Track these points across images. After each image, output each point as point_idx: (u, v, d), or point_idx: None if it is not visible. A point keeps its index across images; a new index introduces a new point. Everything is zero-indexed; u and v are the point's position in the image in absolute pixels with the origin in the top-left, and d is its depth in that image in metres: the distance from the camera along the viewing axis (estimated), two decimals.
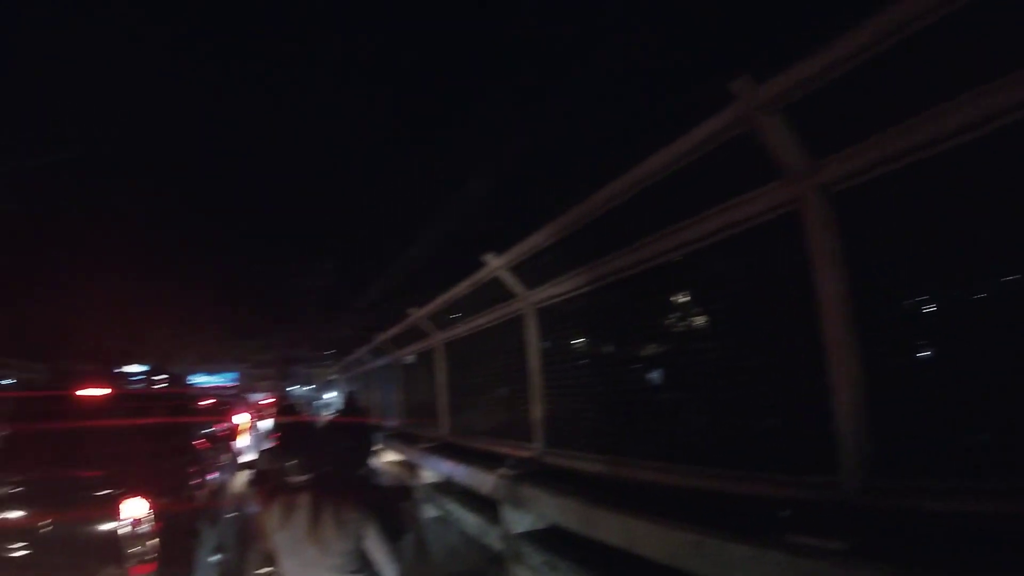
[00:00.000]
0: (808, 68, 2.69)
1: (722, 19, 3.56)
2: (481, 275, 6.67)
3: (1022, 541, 2.15)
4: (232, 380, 49.00)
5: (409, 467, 9.97)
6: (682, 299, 4.45)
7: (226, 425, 11.62)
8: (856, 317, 2.83)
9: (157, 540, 4.22)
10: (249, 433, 15.20)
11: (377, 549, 2.94)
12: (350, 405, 11.85)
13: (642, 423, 4.43)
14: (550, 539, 5.07)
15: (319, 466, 2.98)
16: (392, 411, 13.59)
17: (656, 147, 3.59)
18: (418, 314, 9.53)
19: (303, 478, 2.93)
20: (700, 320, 4.31)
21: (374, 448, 11.21)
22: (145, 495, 4.22)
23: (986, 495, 2.29)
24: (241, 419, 15.10)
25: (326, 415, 14.12)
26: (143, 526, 4.12)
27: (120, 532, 4.11)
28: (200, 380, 48.59)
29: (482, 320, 7.49)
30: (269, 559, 2.94)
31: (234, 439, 10.08)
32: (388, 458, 11.96)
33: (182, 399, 7.70)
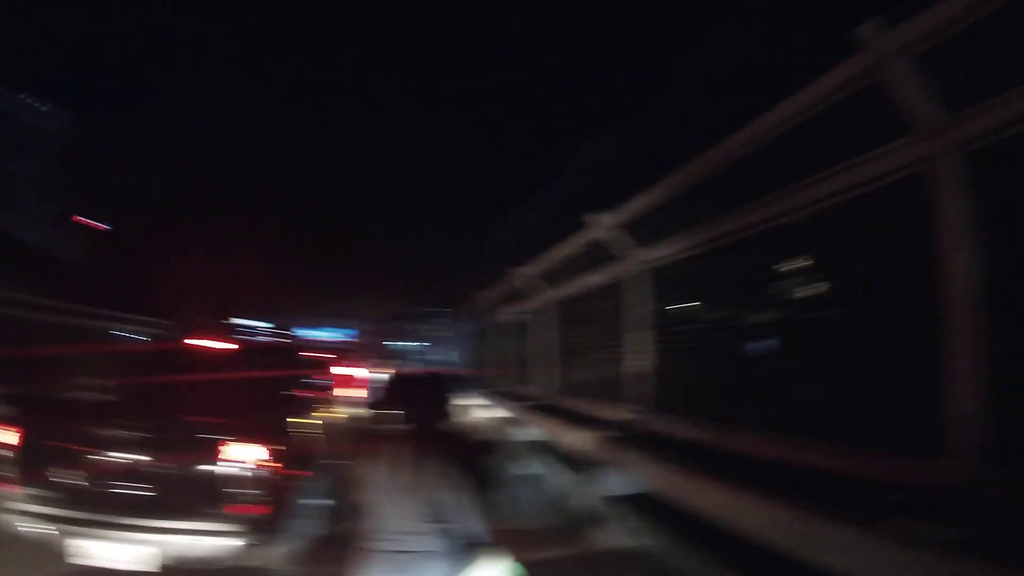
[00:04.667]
0: (945, 11, 2.45)
1: None
2: (593, 233, 6.58)
3: None
4: (352, 335, 51.18)
5: (513, 423, 10.11)
6: (800, 264, 4.23)
7: (343, 375, 12.19)
8: (986, 294, 2.61)
9: (271, 485, 4.51)
10: (363, 384, 15.86)
11: (466, 501, 3.00)
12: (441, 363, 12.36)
13: (751, 392, 4.31)
14: (648, 504, 4.99)
15: (417, 418, 3.12)
16: (499, 368, 13.78)
17: (776, 100, 3.43)
18: (529, 272, 9.56)
19: (404, 427, 3.06)
20: (818, 287, 4.09)
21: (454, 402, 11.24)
22: (262, 441, 4.49)
23: None
24: (357, 371, 15.78)
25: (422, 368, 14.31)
26: (261, 470, 4.40)
27: (238, 474, 4.38)
28: (322, 335, 51.14)
29: (593, 279, 7.40)
30: (363, 507, 3.07)
31: (348, 387, 10.58)
32: (495, 414, 12.13)
33: (300, 352, 8.10)
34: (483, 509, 3.15)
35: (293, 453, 5.29)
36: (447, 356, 29.32)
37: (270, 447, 4.53)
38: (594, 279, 7.34)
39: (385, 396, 3.37)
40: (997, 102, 2.48)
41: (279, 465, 4.69)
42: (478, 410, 12.95)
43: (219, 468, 4.37)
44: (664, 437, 5.26)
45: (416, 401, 3.17)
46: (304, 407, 6.73)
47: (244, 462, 4.37)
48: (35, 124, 53.00)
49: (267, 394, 6.07)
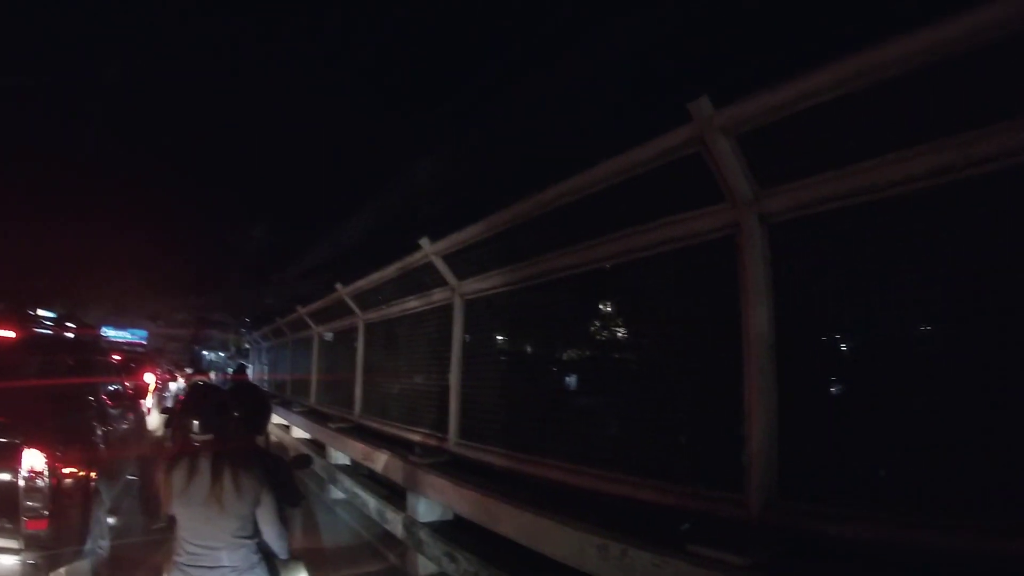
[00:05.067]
0: (767, 101, 2.76)
1: (692, 37, 3.59)
2: (414, 259, 6.57)
3: (915, 569, 2.30)
4: (142, 338, 47.33)
5: (318, 446, 9.84)
6: (610, 307, 4.56)
7: (135, 383, 11.08)
8: (777, 346, 2.97)
9: (51, 496, 3.92)
10: (157, 393, 14.68)
11: (270, 518, 3.02)
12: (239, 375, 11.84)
13: (557, 424, 4.49)
14: (455, 531, 5.15)
15: (219, 429, 3.05)
16: (306, 388, 13.34)
17: (610, 154, 3.63)
18: (344, 291, 9.32)
19: (205, 438, 2.99)
20: (625, 330, 4.43)
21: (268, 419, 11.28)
22: (44, 448, 3.89)
23: (882, 523, 2.42)
24: (150, 378, 14.55)
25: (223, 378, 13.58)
26: (39, 480, 3.81)
27: (19, 484, 3.82)
28: (110, 334, 46.80)
29: (408, 305, 7.43)
30: (165, 519, 3.04)
31: (143, 397, 9.57)
32: (297, 435, 11.78)
33: (93, 351, 7.32)
34: (287, 526, 3.28)
35: (87, 460, 4.79)
36: (255, 369, 28.05)
37: (52, 452, 4.00)
38: (409, 304, 7.37)
39: (185, 405, 3.23)
40: (796, 186, 2.88)
41: (66, 473, 4.23)
42: (285, 428, 12.55)
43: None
44: (474, 463, 5.38)
45: (217, 412, 3.10)
46: (105, 412, 6.07)
47: (19, 469, 3.83)
48: None
49: (60, 394, 5.46)
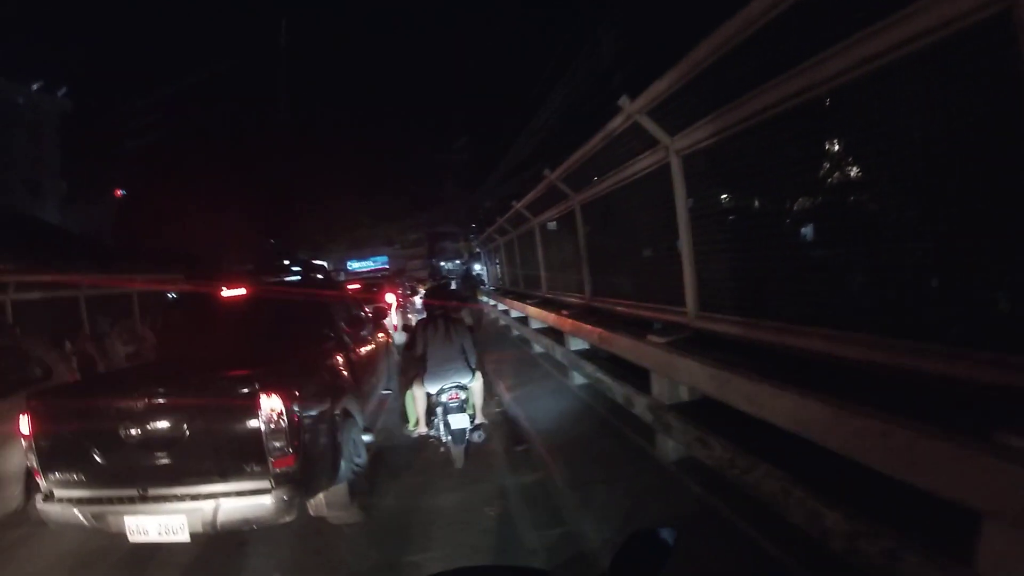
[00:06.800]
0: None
1: None
2: (615, 124, 5.93)
3: None
4: (383, 263, 51.44)
5: (556, 334, 9.85)
6: (838, 144, 3.75)
7: (377, 305, 11.84)
8: None
9: (294, 434, 4.22)
10: (400, 310, 15.61)
11: (470, 346, 6.90)
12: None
13: (806, 284, 3.80)
14: (703, 413, 4.76)
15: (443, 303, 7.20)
16: (535, 280, 13.43)
17: None
18: (552, 176, 9.00)
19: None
20: (858, 168, 3.63)
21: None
22: (280, 390, 4.18)
23: None
24: (391, 298, 15.48)
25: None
26: (280, 421, 4.12)
27: (261, 429, 4.09)
28: (354, 266, 51.49)
29: (622, 175, 6.80)
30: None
31: (384, 318, 10.09)
32: (535, 326, 11.89)
33: (325, 287, 7.73)
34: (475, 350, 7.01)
35: (329, 390, 5.00)
36: (487, 269, 29.32)
37: (289, 392, 4.26)
38: (623, 173, 6.74)
39: (429, 294, 7.69)
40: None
41: (306, 409, 4.46)
42: (523, 321, 13.20)
43: (241, 423, 4.13)
44: (714, 336, 4.93)
45: (446, 295, 7.69)
46: (342, 340, 6.48)
47: (259, 415, 4.10)
48: (30, 105, 52.82)
49: (291, 336, 5.87)
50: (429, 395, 6.55)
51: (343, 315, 7.07)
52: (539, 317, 11.52)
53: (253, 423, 4.08)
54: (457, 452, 6.33)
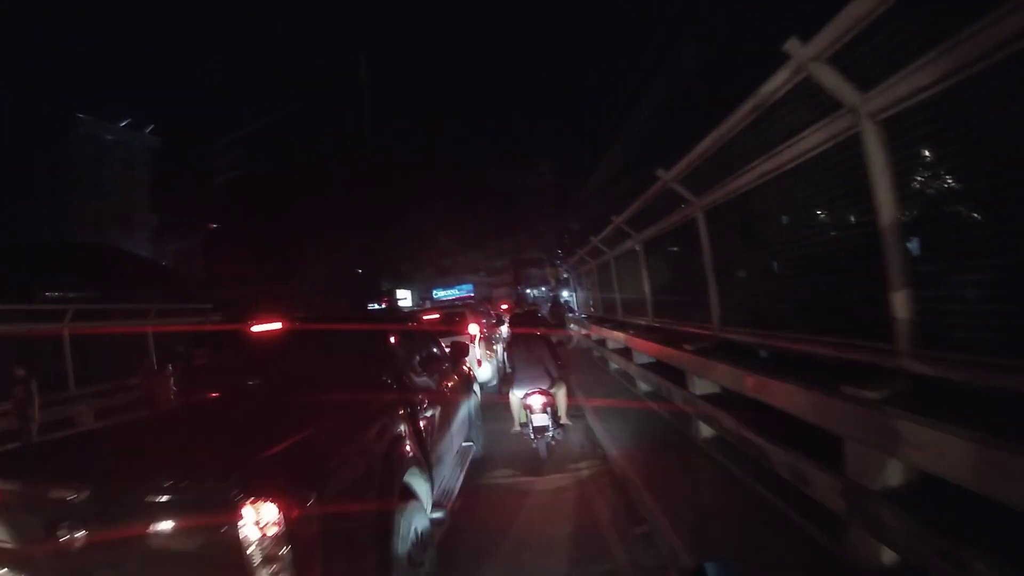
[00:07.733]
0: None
1: None
2: (777, 83, 4.28)
3: None
4: (468, 291, 50.77)
5: (663, 370, 8.95)
6: None
7: (456, 340, 9.41)
8: None
9: (304, 563, 2.61)
10: (484, 341, 13.50)
11: (549, 359, 8.18)
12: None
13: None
14: (720, 400, 6.38)
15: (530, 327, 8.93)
16: (638, 304, 11.95)
17: None
18: (667, 176, 7.33)
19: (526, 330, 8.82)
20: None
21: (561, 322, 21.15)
22: (281, 494, 2.61)
23: None
24: (474, 329, 13.28)
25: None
26: (278, 545, 2.53)
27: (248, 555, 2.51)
28: (439, 294, 51.10)
29: (770, 165, 5.16)
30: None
31: (465, 354, 8.04)
32: (638, 361, 11.08)
33: (387, 320, 6.17)
34: (555, 365, 8.21)
35: (373, 478, 3.33)
36: (577, 295, 28.13)
37: (296, 494, 2.69)
38: (770, 163, 5.13)
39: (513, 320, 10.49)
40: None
41: (333, 518, 2.83)
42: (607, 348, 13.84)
43: (205, 543, 2.60)
44: (737, 345, 6.36)
45: (531, 322, 9.53)
46: (413, 387, 5.05)
47: (242, 531, 2.53)
48: (120, 142, 55.03)
49: (338, 385, 4.32)
50: (519, 398, 7.93)
51: (412, 354, 5.59)
52: (644, 350, 10.04)
53: (233, 546, 2.50)
54: (539, 445, 7.66)
